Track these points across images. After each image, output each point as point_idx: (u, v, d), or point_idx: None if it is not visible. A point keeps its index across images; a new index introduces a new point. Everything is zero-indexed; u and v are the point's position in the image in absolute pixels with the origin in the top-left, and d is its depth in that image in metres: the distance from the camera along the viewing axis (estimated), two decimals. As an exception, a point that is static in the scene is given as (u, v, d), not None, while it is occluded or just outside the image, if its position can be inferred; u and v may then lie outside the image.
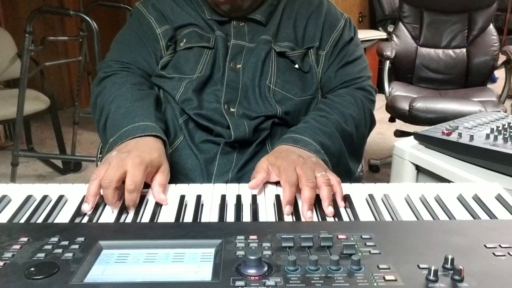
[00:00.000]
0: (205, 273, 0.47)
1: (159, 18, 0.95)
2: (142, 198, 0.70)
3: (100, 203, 0.68)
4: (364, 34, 3.56)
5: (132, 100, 0.84)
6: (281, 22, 0.95)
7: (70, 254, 0.50)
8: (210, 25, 0.94)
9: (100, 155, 1.08)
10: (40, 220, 0.64)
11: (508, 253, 0.51)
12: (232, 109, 0.89)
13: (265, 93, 0.89)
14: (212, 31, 0.93)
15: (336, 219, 0.64)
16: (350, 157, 0.89)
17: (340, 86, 0.95)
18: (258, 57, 0.91)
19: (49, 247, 0.51)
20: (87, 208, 0.65)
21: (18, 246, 0.51)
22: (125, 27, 0.99)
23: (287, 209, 0.65)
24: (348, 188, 0.74)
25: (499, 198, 0.70)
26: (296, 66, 0.93)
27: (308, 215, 0.64)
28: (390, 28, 3.93)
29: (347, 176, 0.89)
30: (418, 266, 0.48)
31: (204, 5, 0.95)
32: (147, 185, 0.72)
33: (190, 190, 0.73)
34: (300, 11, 0.97)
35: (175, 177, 0.83)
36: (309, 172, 0.69)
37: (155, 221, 0.64)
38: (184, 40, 0.93)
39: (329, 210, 0.65)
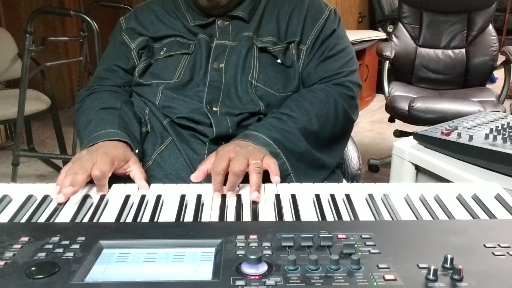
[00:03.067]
0: (205, 272, 0.48)
1: (133, 35, 0.98)
2: (142, 198, 0.70)
3: (100, 203, 0.68)
4: (364, 35, 3.56)
5: (96, 116, 0.89)
6: (263, 17, 0.96)
7: (71, 254, 0.50)
8: (193, 31, 0.95)
9: None
10: (41, 220, 0.64)
11: (508, 252, 0.51)
12: (215, 108, 0.89)
13: (246, 89, 0.89)
14: (194, 36, 0.94)
15: (336, 219, 0.64)
16: (320, 152, 0.88)
17: (319, 82, 0.93)
18: (239, 54, 0.91)
19: (50, 246, 0.51)
20: (62, 199, 0.68)
21: (19, 246, 0.51)
22: (105, 50, 1.04)
23: (215, 194, 0.71)
24: (348, 187, 0.74)
25: (498, 198, 0.71)
26: (279, 61, 0.93)
27: (228, 194, 0.70)
28: (390, 29, 3.93)
29: (321, 168, 0.88)
30: (418, 265, 0.48)
31: (188, 13, 0.96)
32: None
33: (190, 190, 0.73)
34: (283, 5, 0.96)
35: (167, 176, 0.85)
36: (240, 159, 0.72)
37: (155, 220, 0.64)
38: (165, 49, 0.95)
39: (253, 195, 0.69)
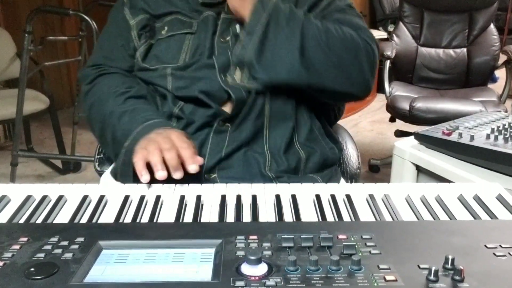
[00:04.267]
0: (205, 273, 0.47)
1: (135, 11, 0.94)
2: (142, 198, 0.70)
3: (99, 204, 0.68)
4: (364, 34, 3.55)
5: (130, 105, 0.86)
6: None
7: (70, 254, 0.50)
8: (197, 9, 0.91)
9: (98, 156, 1.09)
10: (39, 220, 0.64)
11: (509, 253, 0.50)
12: (229, 80, 0.86)
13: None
14: (198, 15, 0.91)
15: (337, 219, 0.64)
16: (315, 49, 0.80)
17: None
18: None
19: (49, 247, 0.51)
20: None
21: (17, 246, 0.51)
22: (105, 26, 1.00)
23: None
24: (348, 188, 0.74)
25: (500, 198, 0.70)
26: None
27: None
28: (391, 28, 3.92)
29: (304, 66, 0.81)
30: (419, 266, 0.48)
31: None
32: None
33: (190, 190, 0.72)
34: None
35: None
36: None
37: (154, 221, 0.64)
38: (166, 28, 0.92)
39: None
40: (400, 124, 2.49)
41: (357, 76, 0.85)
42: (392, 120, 2.50)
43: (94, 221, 0.64)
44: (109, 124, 0.86)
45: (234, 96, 0.84)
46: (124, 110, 0.85)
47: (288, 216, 0.66)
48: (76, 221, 0.64)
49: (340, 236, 0.53)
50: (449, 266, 0.47)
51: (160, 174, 0.69)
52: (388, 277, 0.46)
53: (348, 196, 0.70)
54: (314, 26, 0.82)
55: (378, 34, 3.71)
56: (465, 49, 2.59)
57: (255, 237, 0.53)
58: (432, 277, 0.45)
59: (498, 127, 1.09)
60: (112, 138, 0.86)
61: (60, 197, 0.69)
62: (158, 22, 0.94)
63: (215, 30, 0.90)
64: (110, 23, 0.99)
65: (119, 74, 0.93)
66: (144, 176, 0.70)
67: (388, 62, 2.46)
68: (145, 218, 0.65)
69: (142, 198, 0.70)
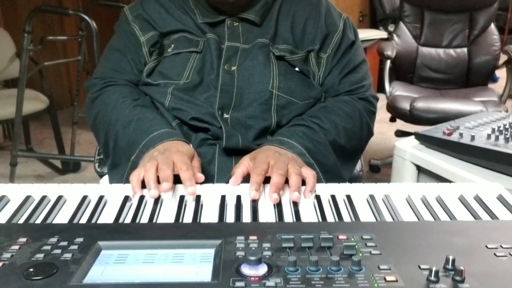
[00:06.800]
0: (204, 273, 0.47)
1: (144, 26, 0.94)
2: (142, 198, 0.69)
3: (99, 204, 0.68)
4: (365, 34, 3.55)
5: (136, 114, 0.85)
6: (278, 23, 0.93)
7: (69, 255, 0.49)
8: (202, 28, 0.92)
9: (98, 157, 1.08)
10: (39, 221, 0.64)
11: (509, 253, 0.50)
12: (226, 115, 0.87)
13: (264, 98, 0.88)
14: (203, 34, 0.92)
15: (337, 220, 0.64)
16: (341, 166, 0.88)
17: (344, 94, 0.94)
18: (255, 60, 0.89)
19: (48, 247, 0.51)
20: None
21: (17, 247, 0.51)
22: (111, 39, 1.00)
23: (252, 193, 0.69)
24: (349, 188, 0.73)
25: (500, 199, 0.70)
26: (297, 69, 0.91)
27: (273, 196, 0.68)
28: (391, 28, 3.92)
29: (339, 182, 0.88)
30: (419, 266, 0.47)
31: (197, 8, 0.93)
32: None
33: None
34: (298, 11, 0.94)
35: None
36: (281, 163, 0.73)
37: (154, 221, 0.64)
38: (172, 45, 0.92)
39: (294, 195, 0.69)
40: (400, 124, 2.49)
41: (365, 140, 0.95)
42: (392, 120, 2.49)
43: (93, 221, 0.63)
44: (113, 132, 0.86)
45: (225, 144, 0.83)
46: (130, 119, 0.84)
47: (288, 217, 0.65)
48: (75, 221, 0.63)
49: (341, 237, 0.53)
50: (449, 266, 0.47)
51: (152, 192, 0.68)
52: (388, 278, 0.45)
53: (348, 197, 0.70)
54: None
55: (379, 34, 3.70)
56: (465, 49, 2.58)
57: (255, 237, 0.52)
58: (432, 278, 0.45)
59: (499, 127, 1.09)
60: (113, 146, 0.86)
61: (59, 197, 0.69)
62: (165, 40, 0.94)
63: (219, 54, 0.90)
64: (117, 36, 0.98)
65: (127, 85, 0.93)
66: (136, 195, 0.70)
67: (388, 62, 2.46)
68: (144, 219, 0.65)
69: (141, 198, 0.69)
